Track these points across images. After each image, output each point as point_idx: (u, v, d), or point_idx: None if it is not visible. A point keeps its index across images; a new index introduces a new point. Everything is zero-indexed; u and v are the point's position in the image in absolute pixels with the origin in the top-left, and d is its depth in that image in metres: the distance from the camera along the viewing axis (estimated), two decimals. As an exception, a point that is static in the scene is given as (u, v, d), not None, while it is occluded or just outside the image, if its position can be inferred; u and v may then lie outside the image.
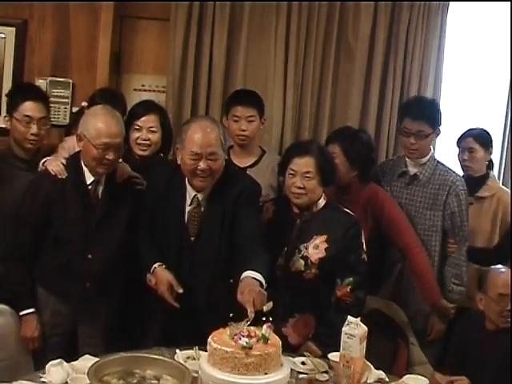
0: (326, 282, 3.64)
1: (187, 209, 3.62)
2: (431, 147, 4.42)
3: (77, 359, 3.14)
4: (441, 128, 4.37)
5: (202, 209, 3.62)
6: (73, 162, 3.63)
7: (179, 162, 3.57)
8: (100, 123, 3.49)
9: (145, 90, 5.12)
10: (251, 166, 4.28)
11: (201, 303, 3.61)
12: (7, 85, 4.75)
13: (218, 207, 3.60)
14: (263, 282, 3.23)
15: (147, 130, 4.11)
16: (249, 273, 3.25)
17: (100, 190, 3.62)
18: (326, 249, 3.62)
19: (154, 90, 5.13)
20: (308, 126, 5.14)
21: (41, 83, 4.80)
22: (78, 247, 3.58)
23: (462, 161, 4.66)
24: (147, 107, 4.22)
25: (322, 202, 3.72)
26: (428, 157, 4.36)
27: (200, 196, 3.60)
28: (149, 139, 4.11)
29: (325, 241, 3.63)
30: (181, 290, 3.49)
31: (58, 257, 3.59)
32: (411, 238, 4.14)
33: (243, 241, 3.52)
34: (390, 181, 4.42)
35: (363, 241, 3.67)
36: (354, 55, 5.14)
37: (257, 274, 3.25)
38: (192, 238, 3.62)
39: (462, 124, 5.39)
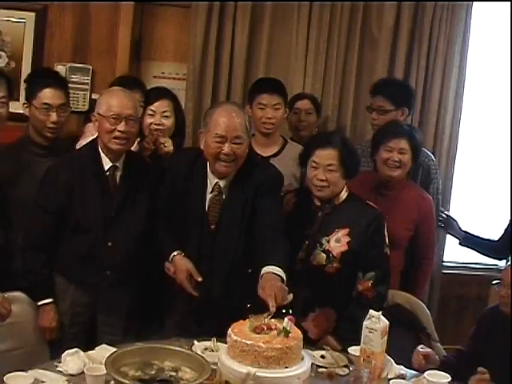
0: (347, 276, 3.58)
1: (208, 196, 3.58)
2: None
3: (94, 349, 3.12)
4: (409, 109, 4.50)
5: (224, 196, 3.58)
6: (90, 149, 3.61)
7: (202, 147, 3.53)
8: (111, 98, 3.51)
9: (164, 78, 5.10)
10: (274, 156, 4.22)
11: (218, 291, 3.57)
12: (26, 70, 4.72)
13: (239, 195, 3.56)
14: (284, 277, 3.19)
15: (161, 114, 4.11)
16: (269, 268, 3.21)
17: (118, 175, 3.59)
18: (348, 242, 3.55)
19: (174, 78, 5.10)
20: (331, 116, 5.10)
21: (60, 69, 4.78)
22: (98, 235, 3.55)
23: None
24: (160, 93, 4.23)
25: (344, 195, 3.65)
26: None
27: (222, 183, 3.56)
28: (163, 124, 4.10)
29: (347, 234, 3.56)
30: (200, 279, 3.46)
31: (77, 245, 3.56)
32: (433, 252, 4.35)
33: (263, 231, 3.48)
34: (364, 166, 4.32)
35: (386, 235, 3.62)
36: (377, 45, 5.10)
37: (277, 268, 3.21)
38: (212, 226, 3.58)
39: (486, 117, 5.37)
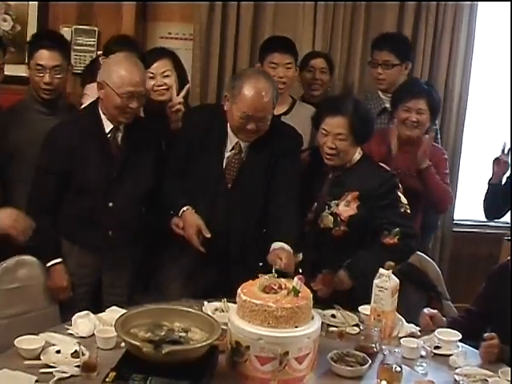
0: (355, 239, 3.54)
1: (226, 154, 3.56)
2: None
3: (103, 311, 3.13)
4: (410, 64, 4.53)
5: (243, 156, 3.55)
6: (90, 111, 3.59)
7: (226, 109, 3.50)
8: (123, 71, 3.42)
9: (171, 38, 5.05)
10: (283, 115, 4.16)
11: (232, 251, 3.57)
12: (32, 33, 4.65)
13: (261, 157, 3.54)
14: (291, 252, 3.26)
15: (161, 75, 4.06)
16: (278, 244, 3.28)
17: (119, 137, 3.56)
18: (357, 206, 3.50)
19: (180, 38, 5.06)
20: (337, 76, 5.04)
21: (65, 31, 4.77)
22: (100, 196, 3.54)
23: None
24: (157, 53, 4.19)
25: (356, 157, 3.58)
26: None
27: (243, 143, 3.54)
28: (164, 84, 4.06)
29: (357, 197, 3.51)
30: (209, 235, 3.45)
31: (80, 207, 3.55)
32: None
33: (277, 195, 3.50)
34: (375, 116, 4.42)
35: (400, 195, 3.54)
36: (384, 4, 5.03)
37: (286, 245, 3.27)
38: (229, 185, 3.56)
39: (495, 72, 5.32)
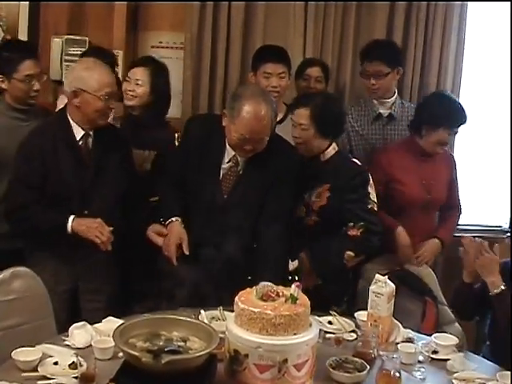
0: (327, 229, 3.72)
1: (223, 166, 3.60)
2: (395, 87, 4.59)
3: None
4: (401, 68, 4.56)
5: (239, 169, 3.60)
6: (59, 119, 3.63)
7: (224, 124, 3.53)
8: (97, 75, 3.53)
9: (162, 47, 5.04)
10: (278, 123, 4.18)
11: (222, 262, 3.54)
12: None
13: (257, 174, 3.59)
14: None
15: (134, 81, 4.17)
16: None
17: (90, 142, 3.61)
18: (327, 197, 3.71)
19: (171, 47, 5.04)
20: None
21: (57, 42, 4.77)
22: (75, 204, 3.57)
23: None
24: (139, 60, 4.33)
25: (331, 152, 3.79)
26: (394, 97, 4.55)
27: (240, 158, 3.58)
28: (133, 90, 4.17)
29: (327, 189, 3.71)
30: (187, 252, 3.50)
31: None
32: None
33: (265, 223, 3.57)
34: (365, 124, 4.52)
35: (370, 191, 3.71)
36: (374, 7, 5.03)
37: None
38: (225, 196, 3.60)
39: (486, 78, 5.32)
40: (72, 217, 3.52)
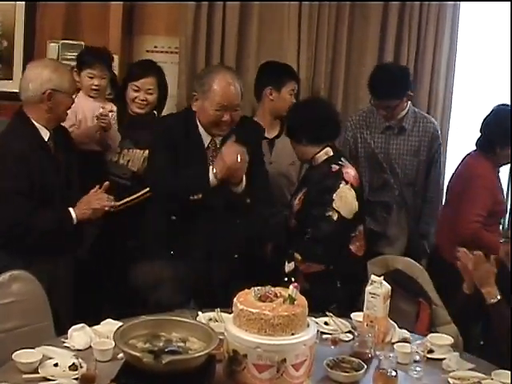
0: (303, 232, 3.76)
1: (207, 150, 3.73)
2: (407, 102, 4.51)
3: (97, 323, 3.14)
4: (411, 92, 4.50)
5: (220, 149, 3.70)
6: (23, 124, 3.62)
7: (195, 109, 3.68)
8: (66, 74, 3.67)
9: (157, 52, 5.07)
10: (277, 137, 4.47)
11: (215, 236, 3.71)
12: (19, 49, 4.74)
13: None
14: None
15: (145, 91, 4.24)
16: None
17: (53, 143, 3.67)
18: (302, 201, 3.79)
19: (166, 52, 5.08)
20: (323, 86, 5.08)
21: (52, 47, 4.81)
22: (57, 203, 3.63)
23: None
24: (146, 68, 4.34)
25: (321, 157, 3.83)
26: (406, 109, 4.50)
27: (217, 140, 3.73)
28: (146, 99, 4.25)
29: (304, 193, 3.81)
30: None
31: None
32: None
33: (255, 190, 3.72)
34: (375, 133, 4.54)
35: (335, 199, 3.68)
36: (368, 20, 5.08)
37: None
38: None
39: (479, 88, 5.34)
40: (70, 208, 3.61)
